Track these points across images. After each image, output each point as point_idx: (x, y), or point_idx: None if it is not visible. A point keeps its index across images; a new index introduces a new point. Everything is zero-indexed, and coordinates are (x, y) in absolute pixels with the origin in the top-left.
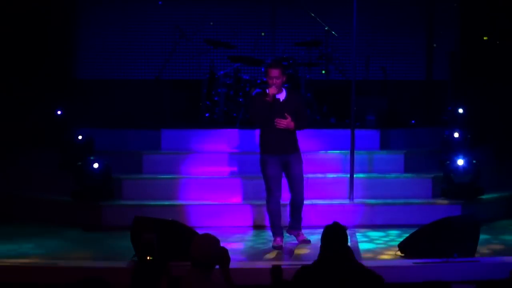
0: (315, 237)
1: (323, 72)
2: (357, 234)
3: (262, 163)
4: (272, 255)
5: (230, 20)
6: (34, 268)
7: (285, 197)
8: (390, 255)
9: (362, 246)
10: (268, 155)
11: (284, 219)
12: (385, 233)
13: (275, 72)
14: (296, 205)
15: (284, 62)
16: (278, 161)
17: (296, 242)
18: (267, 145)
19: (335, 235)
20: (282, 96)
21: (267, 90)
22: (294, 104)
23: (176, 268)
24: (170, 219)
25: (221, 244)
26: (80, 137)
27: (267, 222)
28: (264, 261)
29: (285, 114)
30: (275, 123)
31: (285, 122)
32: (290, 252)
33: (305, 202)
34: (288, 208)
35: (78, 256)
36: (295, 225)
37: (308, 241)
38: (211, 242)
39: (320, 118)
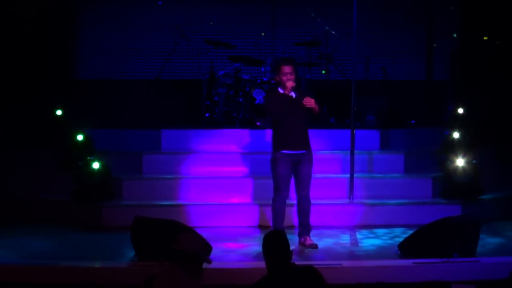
0: (315, 238)
1: (323, 72)
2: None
3: (273, 161)
4: None
5: (230, 20)
6: (34, 268)
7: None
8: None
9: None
10: (280, 154)
11: (287, 219)
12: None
13: (288, 68)
14: (303, 211)
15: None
16: (289, 160)
17: (297, 243)
18: (281, 141)
19: (281, 242)
20: (292, 93)
21: (279, 89)
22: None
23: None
24: (170, 219)
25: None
26: (80, 137)
27: (270, 222)
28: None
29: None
30: (304, 104)
31: (313, 102)
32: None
33: None
34: (294, 209)
35: (78, 256)
36: (303, 232)
37: (315, 246)
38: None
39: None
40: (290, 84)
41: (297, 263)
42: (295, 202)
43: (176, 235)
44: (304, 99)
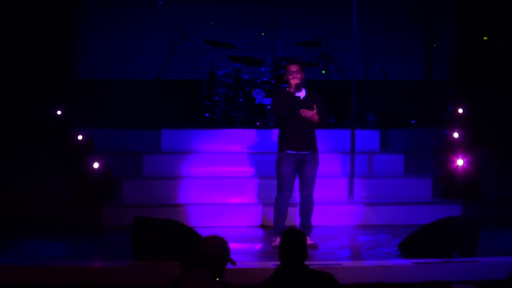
0: (315, 238)
1: (323, 72)
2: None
3: (278, 161)
4: (273, 255)
5: (230, 20)
6: (34, 268)
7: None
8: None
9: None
10: (285, 154)
11: (289, 219)
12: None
13: (295, 67)
14: (306, 211)
15: (284, 62)
16: (293, 161)
17: None
18: (287, 141)
19: (296, 242)
20: (302, 94)
21: (287, 88)
22: (314, 101)
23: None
24: (170, 219)
25: None
26: (80, 137)
27: (271, 222)
28: (265, 261)
29: (314, 106)
30: (301, 113)
31: (310, 113)
32: None
33: None
34: (296, 209)
35: (78, 256)
36: (304, 232)
37: (316, 246)
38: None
39: None
40: (294, 81)
41: None
42: (298, 202)
43: (179, 235)
44: (301, 110)
